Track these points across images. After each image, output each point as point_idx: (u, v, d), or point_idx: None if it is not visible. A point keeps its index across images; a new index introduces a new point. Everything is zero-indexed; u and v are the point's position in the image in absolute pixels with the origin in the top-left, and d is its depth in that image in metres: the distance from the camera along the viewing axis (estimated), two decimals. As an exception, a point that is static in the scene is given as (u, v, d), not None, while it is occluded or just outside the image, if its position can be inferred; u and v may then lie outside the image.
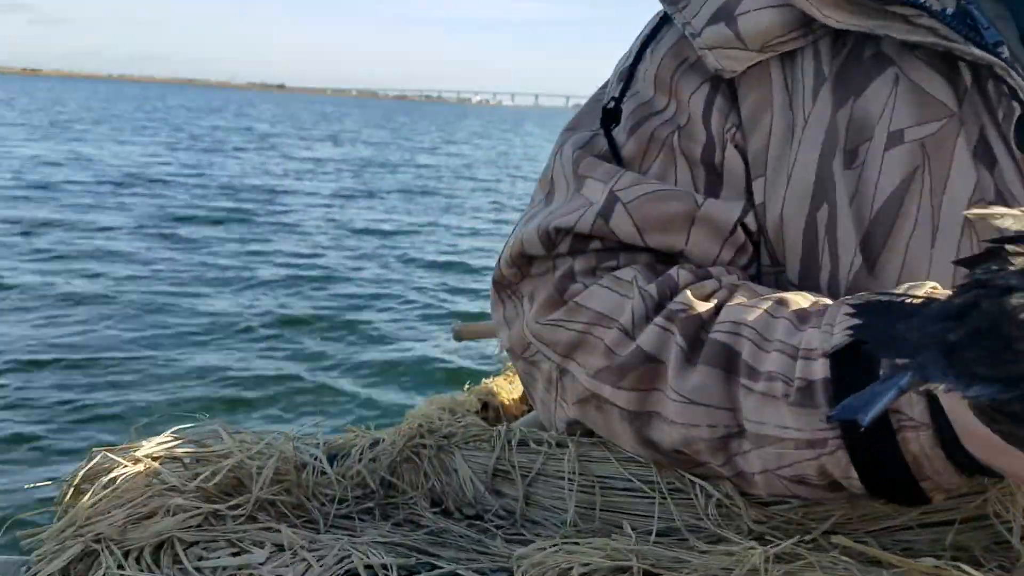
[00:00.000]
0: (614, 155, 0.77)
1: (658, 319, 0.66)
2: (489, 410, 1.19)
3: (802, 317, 0.61)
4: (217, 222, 11.02)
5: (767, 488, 0.62)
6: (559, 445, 0.71)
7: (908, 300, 0.41)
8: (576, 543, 0.53)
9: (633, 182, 0.73)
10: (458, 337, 2.01)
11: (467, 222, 12.62)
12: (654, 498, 0.65)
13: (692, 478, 0.65)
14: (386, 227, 11.48)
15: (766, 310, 0.63)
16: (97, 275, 7.65)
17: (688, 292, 0.67)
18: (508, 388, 1.25)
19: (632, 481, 0.66)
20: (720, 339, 0.63)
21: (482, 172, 21.47)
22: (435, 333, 6.56)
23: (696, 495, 0.64)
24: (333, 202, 13.89)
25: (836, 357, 0.57)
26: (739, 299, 0.66)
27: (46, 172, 14.90)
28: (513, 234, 0.78)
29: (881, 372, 0.54)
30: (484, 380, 1.28)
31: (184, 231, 10.21)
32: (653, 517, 0.64)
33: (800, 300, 0.64)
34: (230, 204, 12.60)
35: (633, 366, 0.66)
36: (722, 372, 0.62)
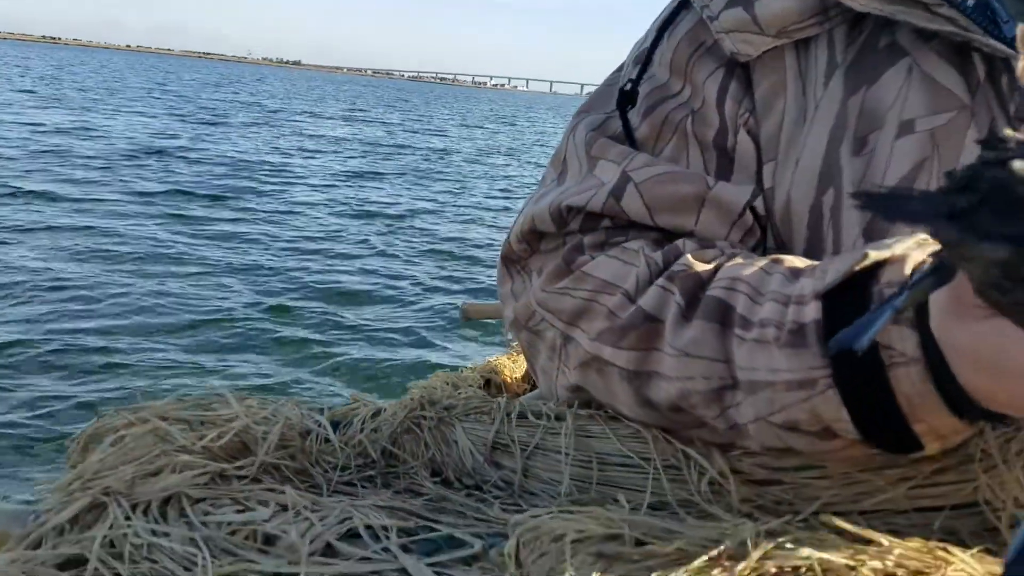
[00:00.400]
0: (628, 137, 0.78)
1: (660, 280, 0.67)
2: (491, 387, 1.20)
3: (795, 272, 0.62)
4: (224, 198, 10.93)
5: (760, 439, 0.62)
6: (557, 418, 0.72)
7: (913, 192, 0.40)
8: (571, 511, 0.54)
9: (645, 163, 0.74)
10: (465, 316, 2.01)
11: (475, 207, 12.57)
12: (649, 473, 0.66)
13: (687, 451, 0.66)
14: (392, 211, 11.42)
15: (761, 267, 0.64)
16: (99, 250, 7.58)
17: (689, 256, 0.68)
18: (511, 366, 1.26)
19: (631, 457, 0.68)
20: (716, 295, 0.64)
21: (493, 157, 21.41)
22: (439, 317, 6.56)
23: (690, 471, 0.65)
24: (342, 182, 13.83)
25: (827, 298, 0.57)
26: (736, 260, 0.67)
27: (54, 141, 14.69)
28: (524, 211, 0.79)
29: (872, 306, 0.54)
30: (488, 358, 1.29)
31: (190, 206, 10.13)
32: (646, 491, 0.65)
33: (796, 260, 0.65)
34: (238, 181, 12.50)
35: (634, 326, 0.67)
36: (717, 325, 0.62)
